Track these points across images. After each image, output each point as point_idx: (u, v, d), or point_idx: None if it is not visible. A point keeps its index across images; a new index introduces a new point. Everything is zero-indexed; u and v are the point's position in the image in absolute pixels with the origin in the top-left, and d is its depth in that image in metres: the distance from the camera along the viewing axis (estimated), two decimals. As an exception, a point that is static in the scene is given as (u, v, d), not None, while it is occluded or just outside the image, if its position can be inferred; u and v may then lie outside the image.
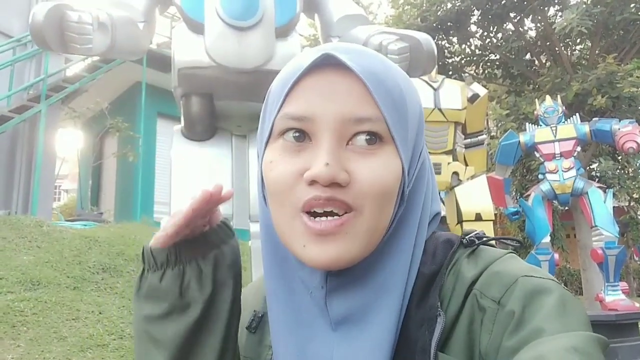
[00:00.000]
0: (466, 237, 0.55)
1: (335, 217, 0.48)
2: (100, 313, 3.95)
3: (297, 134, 0.50)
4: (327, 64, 0.50)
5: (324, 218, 0.48)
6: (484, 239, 0.55)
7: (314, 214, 0.48)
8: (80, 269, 4.54)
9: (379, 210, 0.49)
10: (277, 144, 0.51)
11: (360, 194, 0.48)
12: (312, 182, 0.47)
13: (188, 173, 2.23)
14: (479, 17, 8.98)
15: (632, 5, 7.77)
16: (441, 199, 4.48)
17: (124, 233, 5.58)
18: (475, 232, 0.56)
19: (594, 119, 4.74)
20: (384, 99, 0.49)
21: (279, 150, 0.51)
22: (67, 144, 9.80)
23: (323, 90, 0.49)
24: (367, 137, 0.49)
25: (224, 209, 2.30)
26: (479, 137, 4.77)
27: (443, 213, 4.34)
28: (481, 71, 9.85)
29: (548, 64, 8.97)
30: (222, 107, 2.26)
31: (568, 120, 4.66)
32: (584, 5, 7.16)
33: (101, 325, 3.79)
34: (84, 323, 3.76)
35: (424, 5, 8.60)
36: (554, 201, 4.66)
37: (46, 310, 3.76)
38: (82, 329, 3.68)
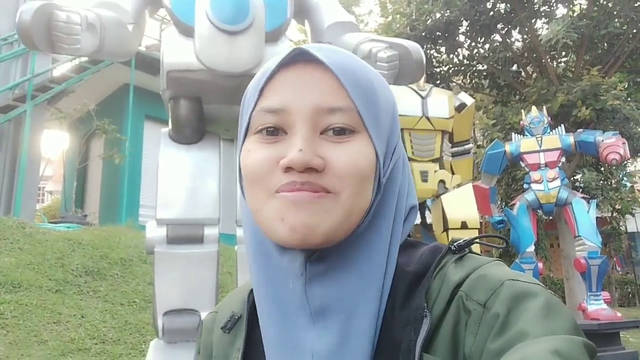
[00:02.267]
0: (454, 243, 0.56)
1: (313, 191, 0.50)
2: (82, 317, 3.90)
3: (271, 129, 0.52)
4: (300, 60, 0.52)
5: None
6: (472, 240, 0.56)
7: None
8: (62, 271, 4.48)
9: (355, 193, 0.50)
10: (254, 136, 0.53)
11: (336, 178, 0.50)
12: (288, 169, 0.49)
13: (175, 176, 2.22)
14: (467, 28, 9.08)
15: (616, 20, 7.93)
16: (427, 206, 4.51)
17: (108, 236, 5.52)
18: (464, 239, 0.56)
19: (578, 130, 4.82)
20: (355, 90, 0.51)
21: (256, 142, 0.53)
22: (52, 145, 9.71)
23: (296, 83, 0.51)
24: (337, 129, 0.51)
25: (210, 213, 2.29)
26: (466, 146, 4.81)
27: (429, 220, 4.38)
28: (468, 81, 9.95)
29: (534, 75, 9.10)
30: (210, 110, 2.25)
31: (553, 131, 4.73)
32: (570, 18, 7.28)
33: (83, 329, 3.74)
34: (66, 327, 3.71)
35: (414, 14, 8.67)
36: (538, 210, 4.71)
37: (27, 313, 3.70)
38: (63, 332, 3.63)
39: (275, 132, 0.52)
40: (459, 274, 0.51)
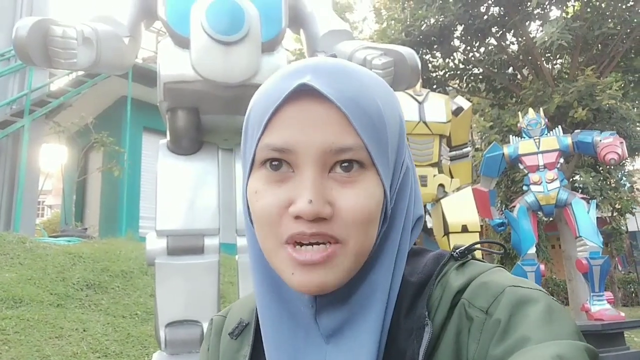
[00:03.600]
0: (456, 250, 0.56)
1: (321, 245, 0.49)
2: (84, 331, 3.88)
3: (276, 163, 0.50)
4: (305, 90, 0.49)
5: (309, 247, 0.49)
6: (472, 246, 0.56)
7: (299, 243, 0.49)
8: (63, 285, 4.46)
9: (363, 238, 0.50)
10: (260, 173, 0.52)
11: (344, 225, 0.49)
12: (297, 217, 0.48)
13: (174, 187, 2.22)
14: (462, 32, 9.13)
15: (610, 20, 7.97)
16: (428, 211, 4.51)
17: (108, 249, 5.51)
18: (466, 245, 0.57)
19: (575, 131, 4.83)
20: (364, 127, 0.49)
21: (263, 181, 0.51)
22: (51, 159, 9.67)
23: (302, 121, 0.49)
24: (345, 165, 0.50)
25: (210, 224, 2.28)
26: (464, 150, 4.82)
27: (430, 225, 4.37)
28: (465, 85, 9.98)
29: (530, 77, 9.13)
30: (208, 121, 2.26)
31: (551, 132, 4.74)
32: (564, 20, 7.32)
33: (85, 343, 3.72)
34: (68, 341, 3.69)
35: (408, 20, 8.71)
36: (538, 212, 4.71)
37: (29, 328, 3.68)
38: (65, 347, 3.61)
39: (282, 166, 0.50)
40: (459, 280, 0.52)
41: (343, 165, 0.49)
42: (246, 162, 0.54)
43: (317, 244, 0.49)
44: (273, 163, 0.50)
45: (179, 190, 2.21)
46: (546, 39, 6.99)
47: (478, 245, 0.58)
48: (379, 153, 0.51)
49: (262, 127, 0.51)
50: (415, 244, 0.61)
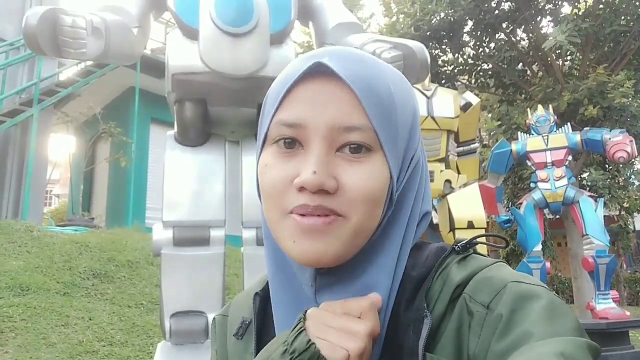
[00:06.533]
0: (458, 244, 0.56)
1: (323, 217, 0.50)
2: (90, 319, 3.92)
3: (288, 141, 0.52)
4: (320, 70, 0.51)
5: (312, 217, 0.50)
6: (474, 238, 0.57)
7: (302, 215, 0.50)
8: (70, 274, 4.50)
9: (365, 216, 0.51)
10: (271, 148, 0.53)
11: (347, 201, 0.50)
12: (301, 188, 0.49)
13: (181, 178, 2.22)
14: (472, 27, 9.05)
15: (622, 17, 7.86)
16: (434, 206, 4.50)
17: (115, 239, 5.54)
18: (468, 239, 0.56)
19: (585, 128, 4.78)
20: (373, 108, 0.50)
21: (273, 155, 0.53)
22: (59, 149, 9.75)
23: (314, 98, 0.51)
24: (354, 146, 0.51)
25: (216, 215, 2.29)
26: (472, 146, 4.79)
27: (436, 220, 4.36)
28: (474, 80, 9.91)
29: (540, 73, 9.04)
30: (215, 112, 2.26)
31: (559, 129, 4.70)
32: (575, 17, 7.23)
33: (91, 331, 3.76)
34: (74, 329, 3.73)
35: (418, 14, 8.65)
36: (545, 210, 4.69)
37: (35, 316, 3.72)
38: (71, 335, 3.65)
39: (292, 143, 0.52)
40: (460, 274, 0.52)
41: (352, 147, 0.50)
42: (260, 138, 0.56)
43: (319, 216, 0.50)
44: (286, 141, 0.52)
45: (185, 181, 2.22)
46: (554, 44, 6.90)
47: (482, 239, 0.58)
48: (387, 136, 0.51)
49: (277, 104, 0.52)
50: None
